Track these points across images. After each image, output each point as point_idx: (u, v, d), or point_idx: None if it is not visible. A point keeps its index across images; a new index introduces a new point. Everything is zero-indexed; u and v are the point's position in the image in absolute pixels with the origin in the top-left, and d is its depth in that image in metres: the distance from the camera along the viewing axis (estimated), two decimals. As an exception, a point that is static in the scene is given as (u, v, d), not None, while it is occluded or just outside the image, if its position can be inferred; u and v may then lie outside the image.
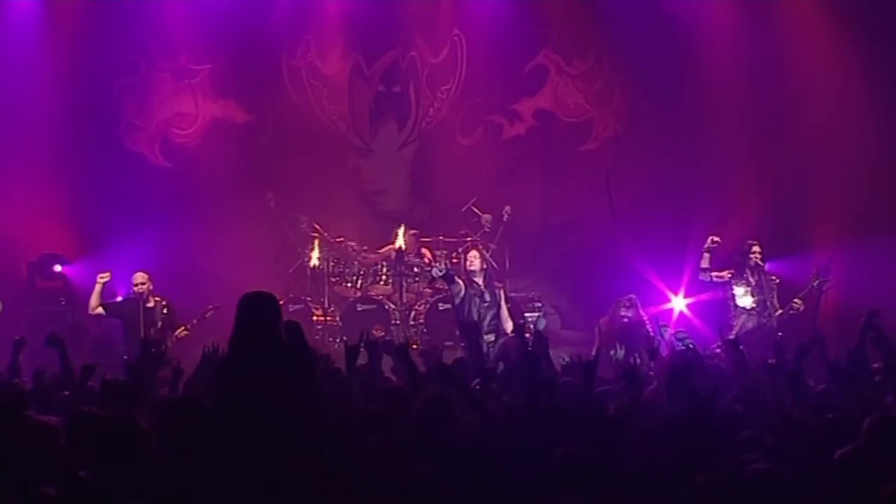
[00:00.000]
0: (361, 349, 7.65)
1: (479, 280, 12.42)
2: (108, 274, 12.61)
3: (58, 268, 14.16)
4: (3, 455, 5.31)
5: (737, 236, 13.69)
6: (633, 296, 12.86)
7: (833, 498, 4.99)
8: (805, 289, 12.65)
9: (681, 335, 11.89)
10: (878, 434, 5.52)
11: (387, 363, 8.59)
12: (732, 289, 12.78)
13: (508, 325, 12.42)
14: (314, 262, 14.55)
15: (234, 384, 5.98)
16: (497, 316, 12.43)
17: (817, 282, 12.57)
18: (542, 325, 13.83)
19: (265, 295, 6.18)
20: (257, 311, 6.05)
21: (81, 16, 14.93)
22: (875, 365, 7.61)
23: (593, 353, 12.58)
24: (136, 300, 12.50)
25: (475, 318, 12.04)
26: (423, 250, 14.92)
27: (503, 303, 12.61)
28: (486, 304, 12.31)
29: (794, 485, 4.82)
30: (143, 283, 12.54)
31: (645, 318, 12.68)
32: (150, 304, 12.56)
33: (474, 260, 12.58)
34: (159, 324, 12.54)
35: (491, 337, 12.16)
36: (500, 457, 5.60)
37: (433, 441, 5.78)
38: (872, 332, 7.98)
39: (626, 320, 12.64)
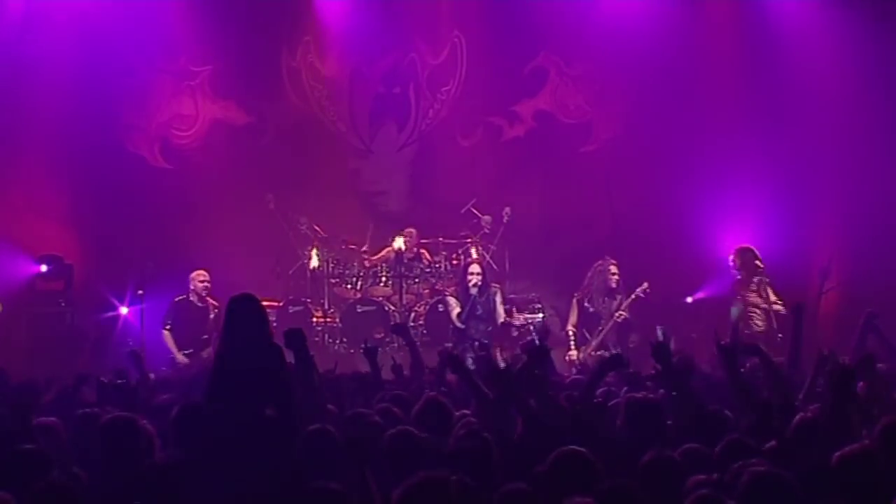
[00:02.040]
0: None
1: (474, 292, 12.50)
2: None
3: (53, 263, 14.10)
4: (5, 456, 5.33)
5: (735, 237, 13.72)
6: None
7: (837, 498, 4.98)
8: (816, 292, 12.59)
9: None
10: (890, 435, 5.52)
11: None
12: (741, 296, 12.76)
13: (500, 318, 12.66)
14: (314, 263, 14.55)
15: (224, 383, 6.11)
16: (489, 321, 12.59)
17: (827, 289, 12.54)
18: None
19: (250, 296, 6.44)
20: (243, 312, 6.24)
21: (81, 17, 14.93)
22: (879, 365, 7.62)
23: (568, 328, 12.71)
24: (184, 302, 12.78)
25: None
26: (422, 251, 14.92)
27: (499, 304, 12.72)
28: (476, 314, 12.49)
29: (796, 486, 4.80)
30: (204, 281, 12.79)
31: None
32: (200, 304, 12.66)
33: (473, 277, 12.62)
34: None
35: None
36: (498, 458, 5.62)
37: (432, 443, 5.80)
38: (872, 334, 8.00)
39: (614, 279, 12.77)
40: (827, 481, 5.08)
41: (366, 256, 14.98)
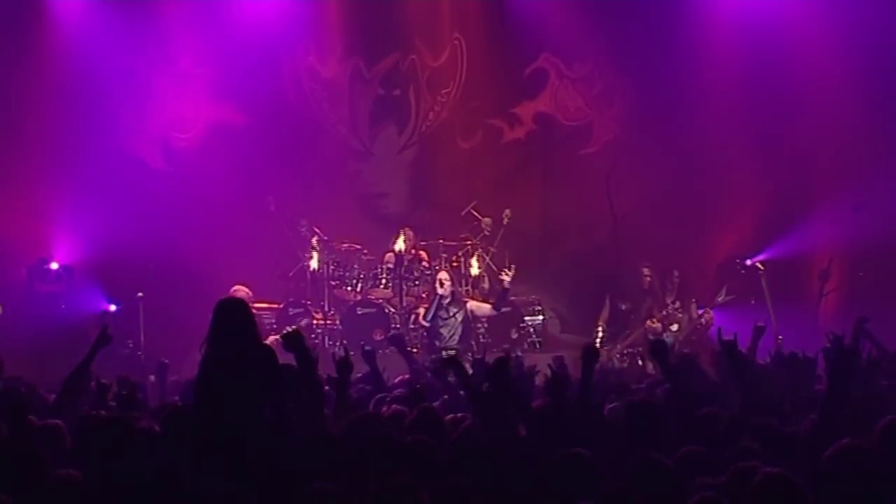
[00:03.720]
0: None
1: (445, 302, 13.30)
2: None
3: (54, 265, 14.11)
4: (6, 456, 5.34)
5: (736, 239, 13.73)
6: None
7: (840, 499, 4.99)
8: (817, 294, 12.66)
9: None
10: (890, 436, 5.53)
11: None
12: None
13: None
14: (314, 265, 14.54)
15: (211, 386, 6.13)
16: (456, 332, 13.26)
17: (827, 291, 12.61)
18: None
19: (237, 300, 6.62)
20: (230, 315, 6.27)
21: (81, 19, 14.93)
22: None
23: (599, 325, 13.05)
24: None
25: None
26: (421, 253, 14.91)
27: (470, 319, 13.45)
28: (444, 320, 13.25)
29: (806, 488, 4.80)
30: (247, 293, 13.02)
31: None
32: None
33: (445, 283, 13.38)
34: None
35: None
36: (497, 461, 5.62)
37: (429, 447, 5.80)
38: (864, 338, 8.03)
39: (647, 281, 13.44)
40: (828, 482, 5.09)
41: (367, 256, 14.96)
